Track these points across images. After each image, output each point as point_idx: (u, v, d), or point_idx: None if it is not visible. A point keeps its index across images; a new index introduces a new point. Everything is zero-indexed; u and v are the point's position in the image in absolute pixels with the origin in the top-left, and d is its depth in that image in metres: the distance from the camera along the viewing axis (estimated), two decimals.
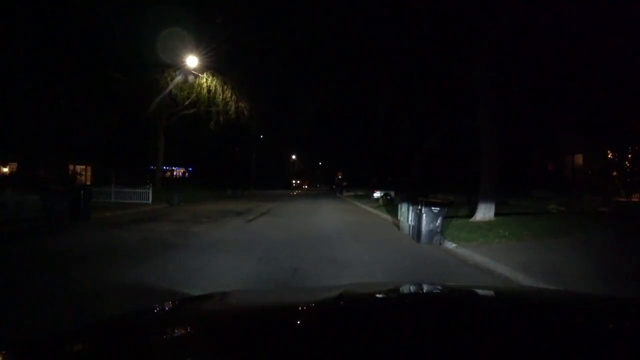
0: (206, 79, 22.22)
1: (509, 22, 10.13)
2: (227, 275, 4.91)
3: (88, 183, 25.62)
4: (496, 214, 10.42)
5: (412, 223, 8.39)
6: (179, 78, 21.17)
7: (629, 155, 12.27)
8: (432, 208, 7.74)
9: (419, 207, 7.90)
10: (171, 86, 21.46)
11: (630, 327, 1.08)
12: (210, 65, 21.73)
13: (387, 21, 13.28)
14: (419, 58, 14.70)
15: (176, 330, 1.06)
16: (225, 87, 23.03)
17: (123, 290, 4.17)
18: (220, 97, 22.96)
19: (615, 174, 12.56)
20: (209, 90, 22.52)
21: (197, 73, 21.56)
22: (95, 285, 4.30)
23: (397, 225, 10.42)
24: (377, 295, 1.56)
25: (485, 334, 0.97)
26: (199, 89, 22.34)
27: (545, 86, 13.65)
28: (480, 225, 9.37)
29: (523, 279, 4.94)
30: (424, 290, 1.63)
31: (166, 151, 24.88)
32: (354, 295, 1.45)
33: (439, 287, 1.79)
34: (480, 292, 1.70)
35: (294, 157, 75.40)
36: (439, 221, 7.73)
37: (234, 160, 43.47)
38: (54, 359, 0.85)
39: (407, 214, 9.06)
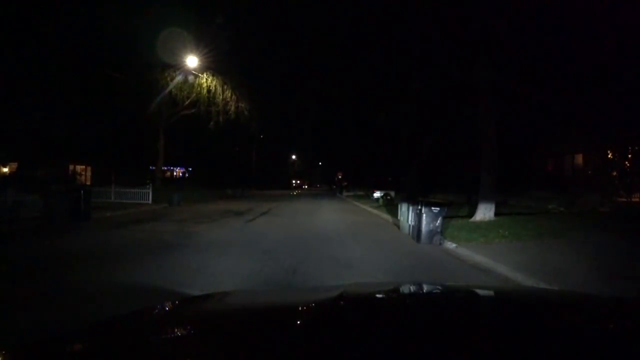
0: (206, 79, 22.21)
1: (510, 22, 10.14)
2: (227, 275, 4.92)
3: (88, 183, 25.60)
4: (496, 214, 10.43)
5: (412, 223, 8.40)
6: (179, 78, 21.17)
7: (629, 155, 12.26)
8: (432, 208, 7.74)
9: (419, 207, 7.90)
10: (171, 86, 21.46)
11: (630, 327, 1.07)
12: (210, 65, 21.72)
13: (387, 21, 13.27)
14: (419, 58, 14.70)
15: (176, 330, 1.06)
16: (225, 87, 23.02)
17: (123, 290, 4.17)
18: (220, 97, 22.96)
19: (615, 174, 12.55)
20: (209, 90, 22.52)
21: (197, 73, 21.56)
22: (96, 286, 4.29)
23: (397, 225, 10.42)
24: (377, 295, 1.55)
25: (485, 334, 0.97)
26: (199, 89, 22.34)
27: (546, 86, 13.66)
28: (480, 225, 9.37)
29: (523, 279, 4.94)
30: (424, 290, 1.62)
31: (166, 151, 24.87)
32: (354, 295, 1.45)
33: (439, 287, 1.79)
34: (480, 292, 1.70)
35: (294, 157, 75.44)
36: (438, 221, 7.74)
37: (234, 160, 43.43)
38: (54, 359, 0.85)
39: (407, 214, 9.07)
